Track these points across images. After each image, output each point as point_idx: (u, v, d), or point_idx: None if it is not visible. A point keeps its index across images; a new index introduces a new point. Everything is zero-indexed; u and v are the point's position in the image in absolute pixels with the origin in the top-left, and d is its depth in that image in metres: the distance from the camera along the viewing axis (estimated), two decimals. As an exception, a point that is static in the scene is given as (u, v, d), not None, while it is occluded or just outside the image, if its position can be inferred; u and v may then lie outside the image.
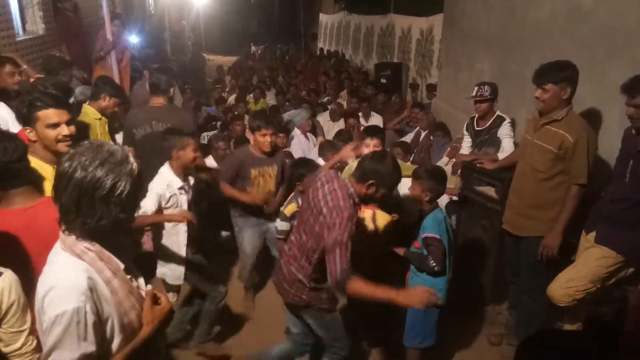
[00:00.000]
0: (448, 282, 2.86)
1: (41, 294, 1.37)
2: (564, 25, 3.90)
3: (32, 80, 3.67)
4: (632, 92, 2.57)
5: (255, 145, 3.55)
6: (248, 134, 5.78)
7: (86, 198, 1.34)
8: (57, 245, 1.44)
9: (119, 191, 1.36)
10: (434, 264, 2.76)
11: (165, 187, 3.03)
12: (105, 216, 1.37)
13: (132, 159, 1.42)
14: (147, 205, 2.89)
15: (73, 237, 1.40)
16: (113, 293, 1.43)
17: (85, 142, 1.43)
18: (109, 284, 1.43)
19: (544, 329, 1.22)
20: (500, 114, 4.09)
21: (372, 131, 3.48)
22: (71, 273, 1.38)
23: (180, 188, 3.10)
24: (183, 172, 3.13)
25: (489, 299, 3.78)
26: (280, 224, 3.40)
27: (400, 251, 2.92)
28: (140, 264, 1.68)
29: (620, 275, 2.82)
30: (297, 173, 3.43)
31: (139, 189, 1.45)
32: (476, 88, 4.05)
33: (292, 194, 3.54)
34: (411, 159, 4.96)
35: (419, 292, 2.17)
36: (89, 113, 3.63)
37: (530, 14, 4.41)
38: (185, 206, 3.12)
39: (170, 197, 3.05)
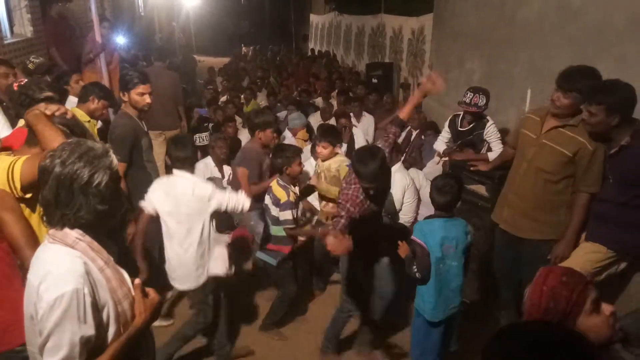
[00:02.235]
0: (436, 299, 2.75)
1: (35, 283, 1.36)
2: (553, 24, 3.92)
3: (15, 85, 3.62)
4: (590, 100, 2.56)
5: (264, 141, 3.79)
6: (240, 135, 5.78)
7: (64, 189, 1.37)
8: (45, 241, 1.45)
9: (96, 182, 1.40)
10: (415, 270, 2.72)
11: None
12: (84, 207, 1.40)
13: (112, 155, 1.47)
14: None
15: (65, 230, 1.42)
16: (107, 280, 1.45)
17: (68, 140, 1.49)
18: (103, 272, 1.44)
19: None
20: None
21: (323, 132, 3.72)
22: (66, 258, 1.39)
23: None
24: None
25: (481, 298, 3.77)
26: (283, 214, 3.32)
27: (403, 251, 2.82)
28: (124, 260, 1.68)
29: (611, 271, 2.82)
30: (276, 162, 3.43)
31: (118, 184, 1.48)
32: (471, 95, 3.90)
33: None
34: (402, 158, 4.96)
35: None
36: (78, 115, 3.59)
37: (520, 13, 4.43)
38: None
39: None
